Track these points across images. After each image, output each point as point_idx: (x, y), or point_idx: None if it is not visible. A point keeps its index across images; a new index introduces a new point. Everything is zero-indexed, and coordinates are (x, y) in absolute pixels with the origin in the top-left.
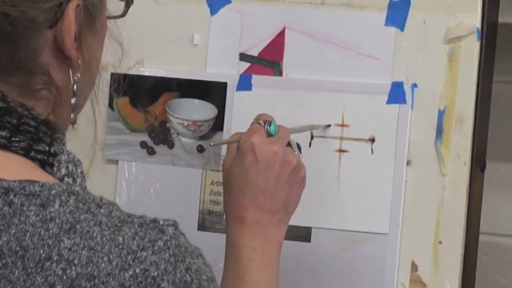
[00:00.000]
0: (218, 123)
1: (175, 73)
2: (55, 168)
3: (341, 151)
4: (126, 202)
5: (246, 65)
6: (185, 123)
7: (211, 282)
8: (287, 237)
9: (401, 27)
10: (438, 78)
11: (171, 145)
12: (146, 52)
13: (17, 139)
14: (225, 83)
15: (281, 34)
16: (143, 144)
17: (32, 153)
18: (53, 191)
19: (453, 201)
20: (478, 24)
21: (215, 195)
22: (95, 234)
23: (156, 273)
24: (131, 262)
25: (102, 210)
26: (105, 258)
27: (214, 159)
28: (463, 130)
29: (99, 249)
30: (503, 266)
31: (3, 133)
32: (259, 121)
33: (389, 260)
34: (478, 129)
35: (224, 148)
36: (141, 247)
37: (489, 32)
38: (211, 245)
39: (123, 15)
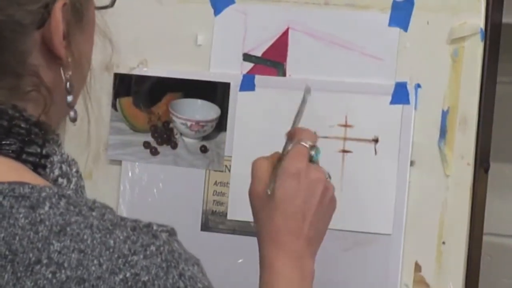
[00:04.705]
0: (221, 124)
1: (178, 74)
2: (47, 170)
3: (344, 151)
4: (129, 203)
5: (249, 65)
6: (188, 123)
7: None
8: None
9: (405, 28)
10: (442, 79)
11: (174, 146)
12: (149, 52)
13: (7, 142)
14: (229, 84)
15: (285, 34)
16: (146, 145)
17: (24, 156)
18: (43, 193)
19: (456, 202)
20: (481, 24)
21: (218, 196)
22: (85, 237)
23: (146, 278)
24: (121, 266)
25: (94, 213)
26: (95, 261)
27: (217, 160)
28: (467, 131)
29: (89, 252)
30: (507, 267)
31: None
32: (304, 143)
33: (392, 260)
34: (482, 130)
35: (227, 148)
36: (132, 251)
37: (493, 33)
38: (214, 246)
39: (112, 5)
